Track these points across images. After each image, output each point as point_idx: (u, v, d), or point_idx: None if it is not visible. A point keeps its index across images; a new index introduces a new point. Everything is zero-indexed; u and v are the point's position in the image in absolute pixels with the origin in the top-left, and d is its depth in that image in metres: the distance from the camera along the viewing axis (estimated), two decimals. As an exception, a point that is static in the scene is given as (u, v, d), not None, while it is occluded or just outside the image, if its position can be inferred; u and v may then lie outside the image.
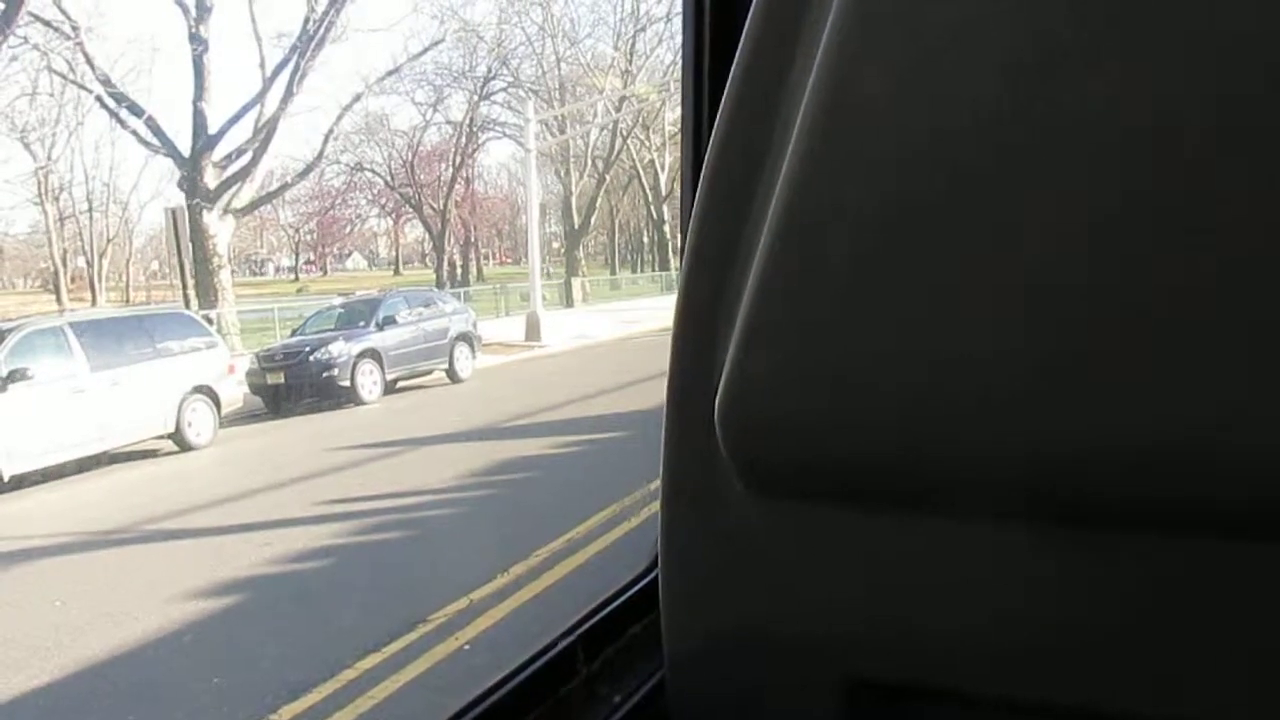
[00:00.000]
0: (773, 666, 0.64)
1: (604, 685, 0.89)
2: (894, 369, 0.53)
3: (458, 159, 27.88)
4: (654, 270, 31.00)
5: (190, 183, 16.53)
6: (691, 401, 0.62)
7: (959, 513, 0.55)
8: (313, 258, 33.19)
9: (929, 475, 0.55)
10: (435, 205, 27.99)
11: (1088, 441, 0.50)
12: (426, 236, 29.92)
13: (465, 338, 13.42)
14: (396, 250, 33.18)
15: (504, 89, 27.51)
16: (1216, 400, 0.47)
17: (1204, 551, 0.51)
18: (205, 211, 16.07)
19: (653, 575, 0.87)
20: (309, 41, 18.23)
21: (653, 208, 29.99)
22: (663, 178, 28.43)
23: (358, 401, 11.47)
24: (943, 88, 0.50)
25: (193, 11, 17.38)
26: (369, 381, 11.71)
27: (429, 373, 12.87)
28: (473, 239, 31.61)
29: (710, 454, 0.61)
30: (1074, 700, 0.55)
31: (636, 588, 0.98)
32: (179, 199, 16.60)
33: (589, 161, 27.91)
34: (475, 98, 27.23)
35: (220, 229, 16.43)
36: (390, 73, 23.77)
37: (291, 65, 18.12)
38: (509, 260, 33.51)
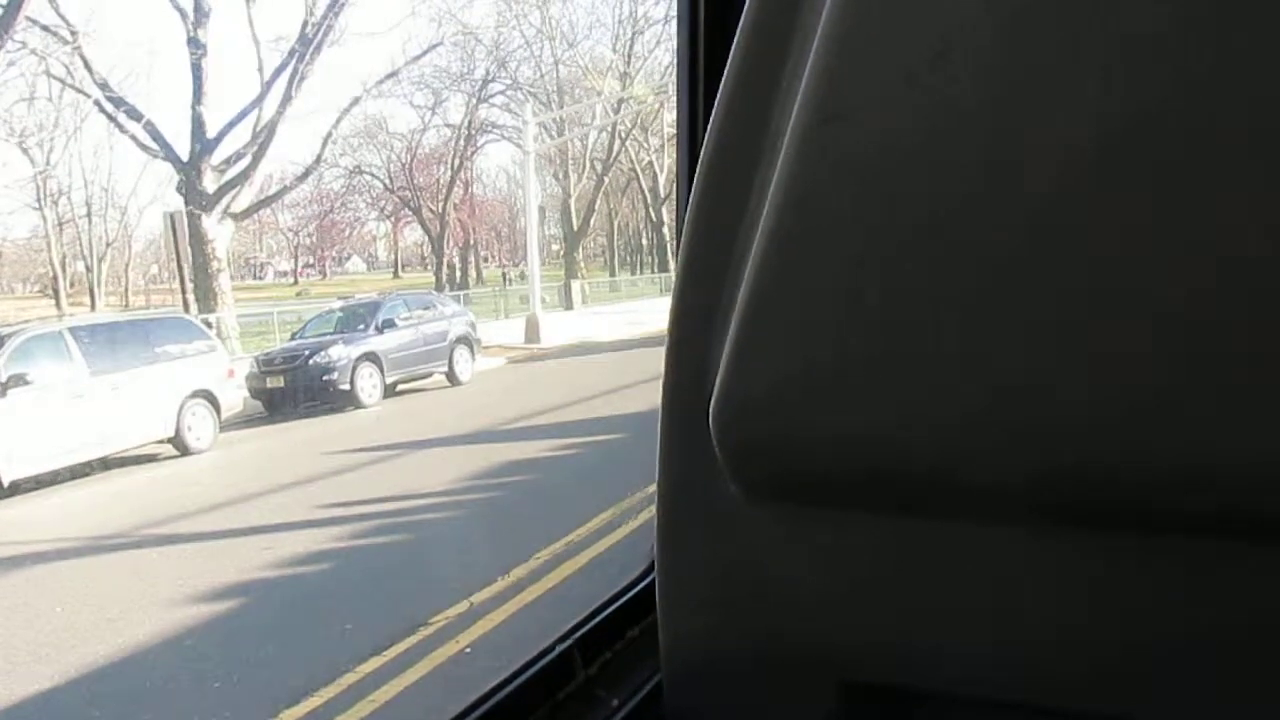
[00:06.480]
0: (769, 669, 0.64)
1: (602, 688, 0.89)
2: (888, 375, 0.53)
3: (456, 162, 27.89)
4: (653, 272, 30.99)
5: (189, 187, 16.51)
6: (687, 406, 0.62)
7: (953, 518, 0.56)
8: (312, 261, 33.21)
9: (923, 481, 0.55)
10: (434, 208, 27.99)
11: (1083, 446, 0.50)
12: (425, 239, 29.94)
13: (465, 340, 13.41)
14: (395, 253, 33.19)
15: (502, 92, 27.57)
16: (1214, 402, 0.47)
17: (1201, 555, 0.51)
18: (204, 215, 16.07)
19: (650, 579, 0.87)
20: (307, 45, 18.21)
21: (651, 210, 29.98)
22: (661, 179, 28.42)
23: (357, 405, 11.47)
24: (932, 95, 0.50)
25: (191, 15, 17.39)
26: (368, 385, 11.70)
27: (429, 376, 12.87)
28: (472, 242, 31.61)
29: (705, 459, 0.61)
30: (1069, 704, 0.56)
31: (633, 591, 0.98)
32: (178, 203, 16.62)
33: (587, 164, 27.91)
34: (473, 100, 27.27)
35: (219, 233, 16.42)
36: (388, 76, 23.78)
37: (290, 69, 18.12)
38: (508, 262, 33.51)
